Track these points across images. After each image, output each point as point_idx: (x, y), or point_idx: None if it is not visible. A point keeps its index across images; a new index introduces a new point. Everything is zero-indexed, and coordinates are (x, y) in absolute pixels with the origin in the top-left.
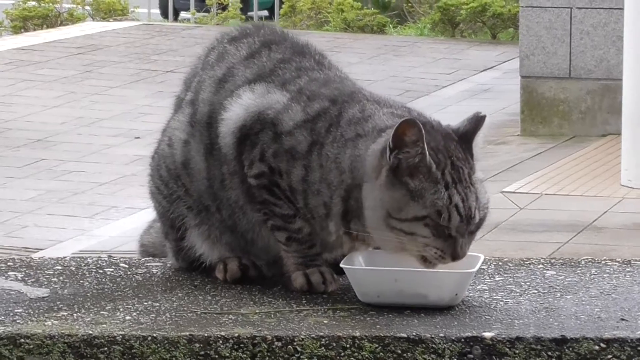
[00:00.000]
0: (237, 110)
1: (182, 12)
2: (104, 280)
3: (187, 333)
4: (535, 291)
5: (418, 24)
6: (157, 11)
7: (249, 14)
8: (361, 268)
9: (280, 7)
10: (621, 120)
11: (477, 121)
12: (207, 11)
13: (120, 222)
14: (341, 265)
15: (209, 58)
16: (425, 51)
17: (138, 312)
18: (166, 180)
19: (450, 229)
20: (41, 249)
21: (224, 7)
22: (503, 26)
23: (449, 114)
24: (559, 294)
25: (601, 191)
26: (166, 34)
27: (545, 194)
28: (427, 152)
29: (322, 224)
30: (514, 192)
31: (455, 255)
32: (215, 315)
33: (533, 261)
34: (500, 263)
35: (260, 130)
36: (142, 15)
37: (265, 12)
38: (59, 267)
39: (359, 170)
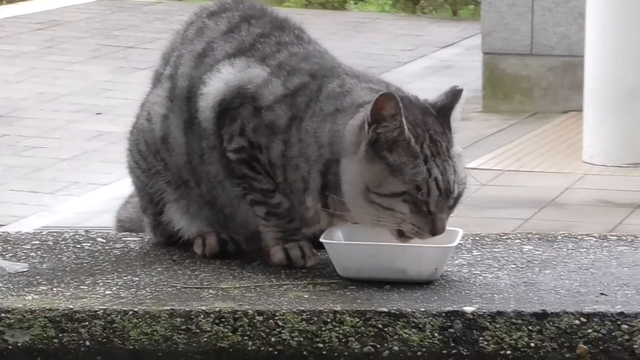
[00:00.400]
0: (216, 84)
1: None
2: (82, 254)
3: (168, 307)
4: (514, 266)
5: (379, 0)
6: None
7: None
8: (341, 243)
9: None
10: (582, 97)
11: (454, 95)
12: None
13: (82, 198)
14: (321, 239)
15: (188, 32)
16: (387, 27)
17: (118, 286)
18: (145, 154)
19: (429, 204)
20: (3, 225)
21: None
22: (464, 2)
23: (411, 90)
24: (537, 269)
25: (563, 168)
26: (127, 10)
27: (508, 171)
28: (405, 126)
29: (300, 198)
30: (476, 169)
31: (434, 231)
32: (195, 289)
33: (510, 236)
34: (477, 238)
35: (240, 104)
36: None
37: None
38: (37, 242)
39: (338, 145)
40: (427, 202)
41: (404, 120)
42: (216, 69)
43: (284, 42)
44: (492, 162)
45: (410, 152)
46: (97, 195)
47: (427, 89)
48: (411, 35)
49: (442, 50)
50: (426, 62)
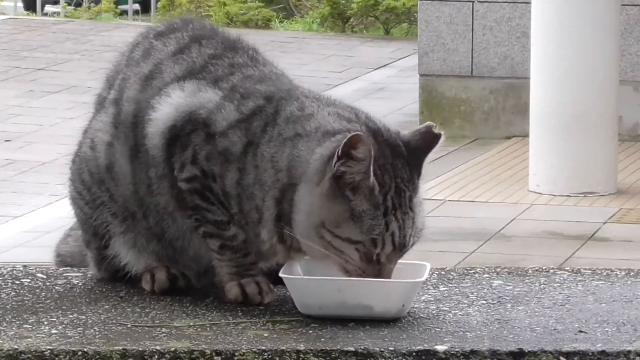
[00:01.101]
0: (166, 109)
1: (47, 5)
2: (22, 291)
3: (120, 347)
4: (484, 302)
5: (306, 19)
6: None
7: (122, 7)
8: (302, 278)
9: (157, 0)
10: (526, 121)
11: (431, 139)
12: (79, 4)
13: None
14: (280, 274)
15: (134, 54)
16: (315, 47)
17: (64, 325)
18: (89, 185)
19: (380, 256)
20: None
21: (97, 0)
22: (397, 21)
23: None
24: (509, 305)
25: (508, 197)
26: (35, 29)
27: (449, 200)
28: (371, 173)
29: (255, 230)
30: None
31: (379, 278)
32: (147, 328)
33: (477, 270)
34: (442, 272)
35: (191, 131)
36: (8, 8)
37: (137, 6)
38: None
39: (297, 170)
40: (380, 254)
41: (371, 167)
42: (165, 93)
43: (237, 64)
44: (432, 192)
45: (373, 200)
46: (8, 228)
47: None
48: (341, 55)
49: (374, 72)
50: (357, 85)
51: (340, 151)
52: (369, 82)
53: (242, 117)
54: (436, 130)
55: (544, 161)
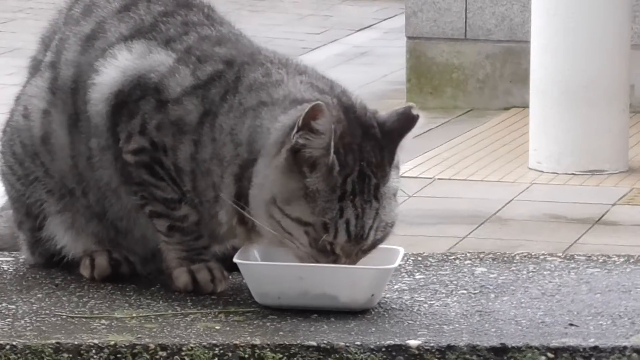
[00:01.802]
0: (112, 73)
1: None
2: None
3: (53, 341)
4: (465, 291)
5: None
6: None
7: None
8: (259, 263)
9: None
10: (526, 90)
11: (408, 121)
12: None
13: None
14: (234, 260)
15: (73, 11)
16: (289, 6)
17: None
18: (21, 158)
19: (334, 246)
20: None
21: None
22: None
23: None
24: (493, 295)
25: (505, 175)
26: None
27: (439, 179)
28: (332, 150)
29: (211, 210)
30: (401, 177)
31: None
32: (84, 319)
33: (459, 256)
34: (419, 258)
35: (140, 97)
36: None
37: None
38: None
39: (258, 143)
40: (333, 243)
41: (332, 143)
42: (110, 55)
43: (191, 23)
44: (419, 169)
45: (330, 181)
46: None
47: (339, 81)
48: (319, 15)
49: (356, 34)
50: (337, 48)
51: (301, 121)
52: (350, 46)
53: (199, 83)
54: (415, 112)
55: (546, 135)
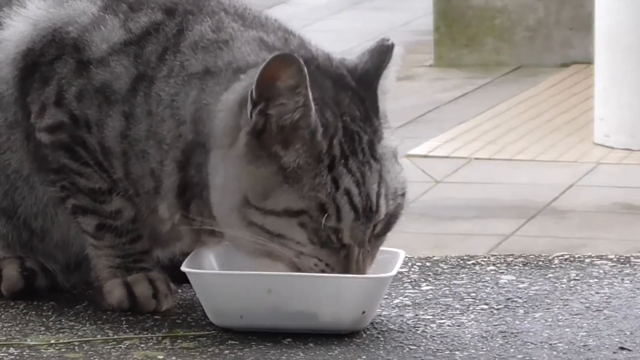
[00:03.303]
0: (19, 26)
1: None
2: None
3: None
4: (485, 306)
5: None
6: None
7: None
8: (214, 273)
9: None
10: (590, 42)
11: (382, 54)
12: None
13: None
14: (182, 268)
15: None
16: None
17: None
18: None
19: (340, 233)
20: None
21: None
22: None
23: (318, 33)
24: (522, 311)
25: (563, 153)
26: None
27: (476, 159)
28: (312, 105)
29: (150, 204)
30: (425, 156)
31: (349, 273)
32: None
33: (479, 260)
34: (427, 264)
35: (56, 57)
36: None
37: None
38: None
39: (205, 126)
40: (338, 229)
41: (310, 95)
42: (17, 3)
43: None
44: (450, 146)
45: (314, 149)
46: None
47: (343, 31)
48: None
49: None
50: None
51: (255, 90)
52: None
53: (131, 38)
54: (389, 42)
55: (616, 100)
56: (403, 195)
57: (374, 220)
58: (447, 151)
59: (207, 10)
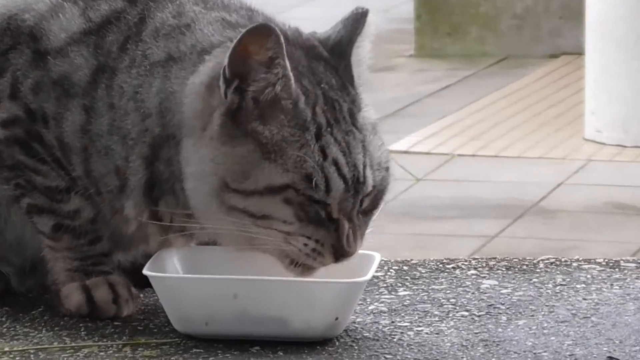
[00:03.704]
0: None
1: None
2: None
3: None
4: (466, 313)
5: None
6: None
7: None
8: (178, 276)
9: None
10: (581, 31)
11: (355, 21)
12: None
13: None
14: (144, 271)
15: None
16: None
17: None
18: None
19: (329, 206)
20: None
21: None
22: None
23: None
24: (504, 318)
25: (552, 149)
26: None
27: (459, 155)
28: (292, 76)
29: (113, 203)
30: (406, 152)
31: (341, 252)
32: None
33: (460, 264)
34: (405, 268)
35: (10, 47)
36: None
37: None
38: None
39: (174, 115)
40: (326, 203)
41: (288, 66)
42: None
43: None
44: (432, 142)
45: (298, 118)
46: None
47: (319, 19)
48: None
49: None
50: None
51: (229, 68)
52: None
53: (90, 27)
54: (363, 9)
55: (608, 93)
56: (387, 169)
57: (362, 192)
58: (429, 147)
59: None
